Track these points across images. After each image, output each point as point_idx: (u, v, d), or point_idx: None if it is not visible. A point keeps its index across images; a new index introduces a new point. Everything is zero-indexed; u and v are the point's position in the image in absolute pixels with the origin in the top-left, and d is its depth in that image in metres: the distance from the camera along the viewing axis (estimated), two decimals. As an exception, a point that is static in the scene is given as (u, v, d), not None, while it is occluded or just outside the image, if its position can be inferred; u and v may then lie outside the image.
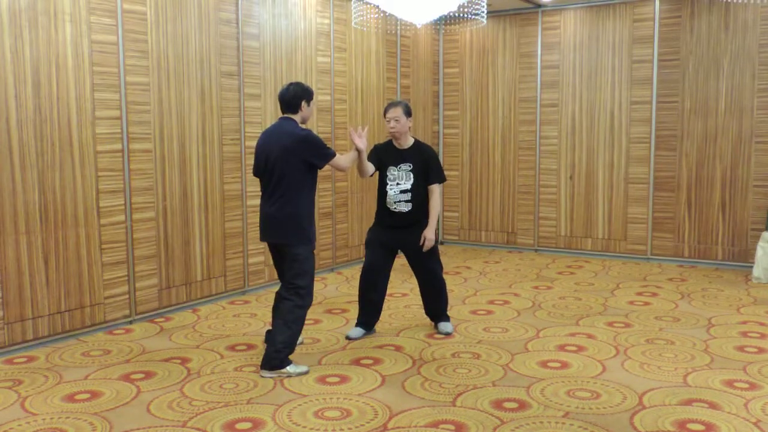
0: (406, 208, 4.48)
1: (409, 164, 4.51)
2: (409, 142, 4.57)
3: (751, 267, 6.48)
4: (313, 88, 6.37)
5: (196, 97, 5.28)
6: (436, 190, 4.56)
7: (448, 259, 7.44)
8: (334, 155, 3.95)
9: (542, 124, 7.74)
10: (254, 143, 5.78)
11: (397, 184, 4.50)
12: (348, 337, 4.55)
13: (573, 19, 7.49)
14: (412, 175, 4.49)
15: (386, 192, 4.52)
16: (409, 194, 4.48)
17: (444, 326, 4.68)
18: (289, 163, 3.83)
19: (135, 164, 4.87)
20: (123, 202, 4.80)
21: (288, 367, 3.83)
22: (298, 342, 4.39)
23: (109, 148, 4.69)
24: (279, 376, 3.80)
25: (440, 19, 7.78)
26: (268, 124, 5.92)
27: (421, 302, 5.54)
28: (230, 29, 5.55)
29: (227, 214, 5.61)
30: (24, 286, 4.26)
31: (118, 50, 4.71)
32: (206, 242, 5.45)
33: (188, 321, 5.02)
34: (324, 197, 6.64)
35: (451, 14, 6.01)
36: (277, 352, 3.81)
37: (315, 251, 4.09)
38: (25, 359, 4.15)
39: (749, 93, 6.65)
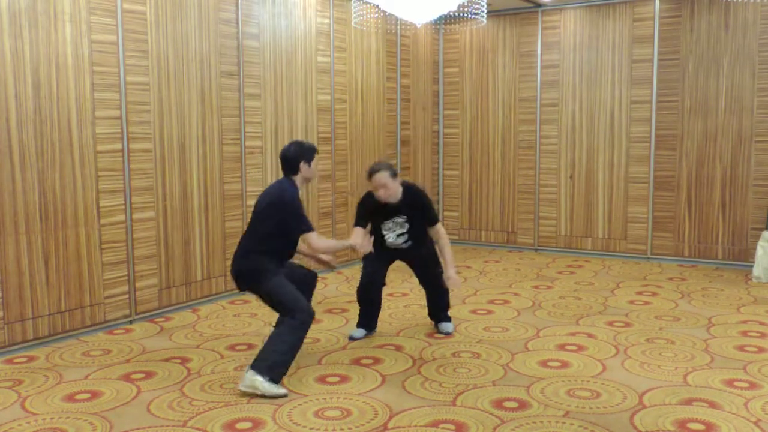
0: (405, 245, 4.47)
1: (402, 216, 4.39)
2: (398, 195, 4.34)
3: (752, 266, 6.48)
4: (313, 88, 6.42)
5: (196, 97, 5.29)
6: (438, 229, 4.43)
7: (448, 259, 7.44)
8: (310, 231, 3.78)
9: (542, 123, 7.74)
10: (254, 143, 5.82)
11: (394, 231, 4.44)
12: (351, 338, 4.55)
13: (573, 18, 7.49)
14: (407, 225, 4.42)
15: (383, 237, 4.45)
16: (407, 235, 4.44)
17: (445, 326, 4.69)
18: (267, 217, 3.84)
19: (135, 164, 4.87)
20: (123, 202, 4.81)
21: (266, 382, 3.54)
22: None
23: (109, 148, 4.69)
24: (254, 391, 3.53)
25: (440, 18, 7.78)
26: (268, 124, 5.95)
27: (421, 302, 5.54)
28: (230, 29, 5.55)
29: (227, 214, 5.62)
30: (24, 286, 4.26)
31: (118, 50, 4.71)
32: (206, 242, 5.45)
33: (188, 321, 5.02)
34: (324, 197, 6.64)
35: (451, 14, 6.02)
36: (273, 352, 3.61)
37: (299, 257, 4.08)
38: (25, 359, 4.15)
39: (749, 92, 6.65)
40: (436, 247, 4.53)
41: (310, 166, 3.92)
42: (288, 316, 3.69)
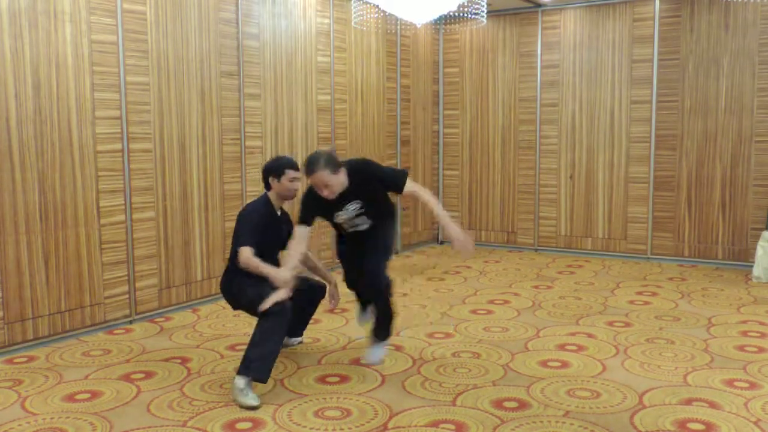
0: (365, 226, 3.85)
1: (355, 203, 3.74)
2: (345, 184, 3.65)
3: (752, 266, 6.48)
4: (313, 88, 6.41)
5: (196, 97, 5.29)
6: (411, 188, 3.70)
7: (449, 259, 7.44)
8: (245, 246, 3.63)
9: (542, 123, 7.74)
10: (254, 143, 5.83)
11: (349, 222, 3.84)
12: (361, 320, 4.26)
13: (573, 18, 7.49)
14: (363, 209, 3.77)
15: (340, 227, 3.93)
16: (364, 216, 3.81)
17: (373, 353, 3.96)
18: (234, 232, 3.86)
19: (135, 164, 4.87)
20: (123, 202, 4.81)
21: (244, 386, 3.45)
22: (297, 342, 4.39)
23: (109, 148, 4.69)
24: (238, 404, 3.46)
25: (440, 18, 7.78)
26: (268, 124, 5.95)
27: (421, 302, 5.54)
28: (230, 29, 5.55)
29: (227, 214, 5.61)
30: (24, 286, 4.26)
31: (118, 50, 4.71)
32: (206, 242, 5.45)
33: (188, 321, 5.02)
34: (324, 197, 6.64)
35: (451, 14, 6.02)
36: (251, 352, 3.54)
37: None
38: (25, 359, 4.15)
39: (749, 92, 6.65)
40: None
41: (279, 181, 3.79)
42: (262, 316, 3.56)
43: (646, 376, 3.83)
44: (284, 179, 3.79)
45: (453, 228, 3.55)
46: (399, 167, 3.95)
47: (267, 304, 3.51)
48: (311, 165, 3.52)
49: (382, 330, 3.96)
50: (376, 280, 3.80)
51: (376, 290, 3.84)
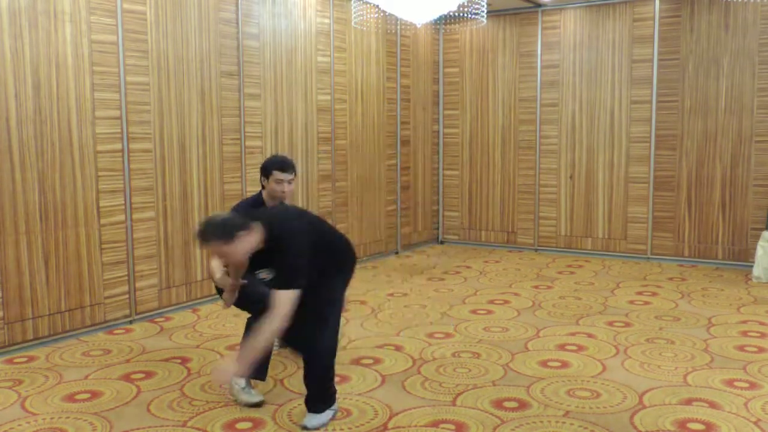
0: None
1: (266, 271, 3.29)
2: (255, 247, 2.96)
3: (752, 266, 6.48)
4: (313, 88, 6.41)
5: (196, 97, 5.29)
6: (277, 302, 2.87)
7: (449, 259, 7.44)
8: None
9: (542, 123, 7.74)
10: (254, 143, 5.82)
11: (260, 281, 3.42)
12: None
13: (573, 18, 7.49)
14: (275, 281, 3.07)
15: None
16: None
17: (307, 419, 3.19)
18: None
19: (135, 164, 4.87)
20: (123, 202, 4.81)
21: (237, 383, 3.43)
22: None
23: (109, 148, 4.69)
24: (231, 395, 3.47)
25: (440, 18, 7.78)
26: (268, 124, 5.95)
27: (422, 302, 5.54)
28: (230, 29, 5.55)
29: (227, 214, 5.61)
30: (24, 286, 4.26)
31: (118, 50, 4.71)
32: (206, 242, 5.44)
33: (188, 321, 5.02)
34: (324, 197, 6.64)
35: (451, 14, 6.02)
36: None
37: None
38: (25, 359, 4.15)
39: (749, 92, 6.65)
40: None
41: (268, 181, 3.77)
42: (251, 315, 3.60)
43: (646, 376, 3.83)
44: (271, 180, 3.76)
45: (233, 364, 2.95)
46: (299, 271, 2.95)
47: (224, 304, 3.54)
48: (200, 236, 2.94)
49: (313, 401, 3.22)
50: (315, 360, 3.21)
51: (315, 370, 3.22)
